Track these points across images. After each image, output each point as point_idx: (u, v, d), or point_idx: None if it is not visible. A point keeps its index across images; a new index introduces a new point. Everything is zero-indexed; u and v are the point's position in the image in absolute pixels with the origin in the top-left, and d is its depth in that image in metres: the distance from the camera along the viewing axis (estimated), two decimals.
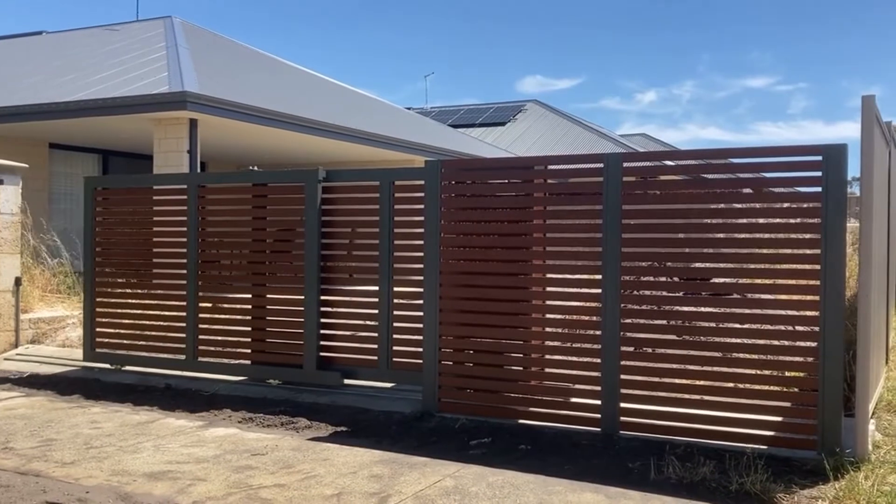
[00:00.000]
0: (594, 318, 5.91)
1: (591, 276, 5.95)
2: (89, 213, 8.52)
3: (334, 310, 7.34)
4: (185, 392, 7.37)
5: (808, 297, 5.40)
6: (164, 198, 8.47)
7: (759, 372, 5.58)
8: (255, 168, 7.96)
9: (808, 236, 5.40)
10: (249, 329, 7.71)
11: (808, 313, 5.38)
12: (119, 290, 8.55)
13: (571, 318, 6.08)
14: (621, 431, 5.74)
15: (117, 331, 8.42)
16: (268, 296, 7.66)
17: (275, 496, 4.54)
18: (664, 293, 5.96)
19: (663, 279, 6.01)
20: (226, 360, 7.85)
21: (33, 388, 7.58)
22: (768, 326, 5.57)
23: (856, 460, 4.89)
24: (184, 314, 7.99)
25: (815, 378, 5.24)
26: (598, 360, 5.85)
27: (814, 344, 5.29)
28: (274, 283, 7.67)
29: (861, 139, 5.14)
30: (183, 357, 7.96)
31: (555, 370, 6.07)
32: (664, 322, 5.82)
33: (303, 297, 7.33)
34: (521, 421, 6.05)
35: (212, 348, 7.90)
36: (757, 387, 5.57)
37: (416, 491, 4.61)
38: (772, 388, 5.60)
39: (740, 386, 5.58)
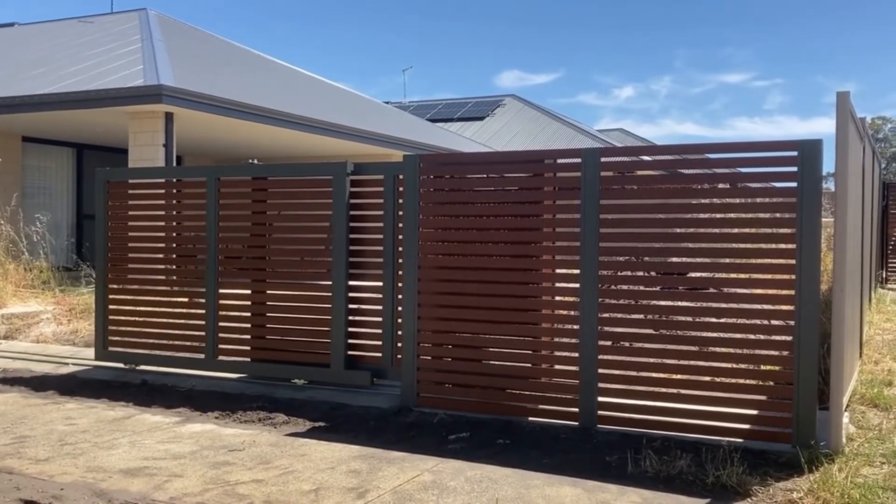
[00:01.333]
0: (572, 313, 5.92)
1: (570, 271, 5.96)
2: (101, 206, 8.18)
3: (363, 307, 7.05)
4: (160, 388, 7.31)
5: (784, 292, 5.44)
6: (182, 191, 8.10)
7: (735, 366, 5.62)
8: (255, 161, 7.63)
9: (783, 231, 5.45)
10: (272, 327, 7.41)
11: (784, 307, 5.43)
12: (133, 287, 8.16)
13: (550, 313, 6.09)
14: (599, 425, 5.76)
15: (131, 329, 8.09)
16: (291, 292, 7.33)
17: (252, 492, 4.52)
18: (641, 288, 5.99)
19: (641, 274, 6.04)
20: (247, 360, 7.51)
21: (5, 384, 7.49)
22: (744, 320, 5.61)
23: (830, 453, 4.94)
24: (203, 311, 7.66)
25: (791, 372, 5.29)
26: (576, 355, 5.87)
27: (789, 338, 5.34)
28: (299, 279, 7.34)
29: (836, 135, 5.19)
30: (202, 356, 7.65)
31: (533, 365, 6.08)
32: (641, 316, 5.85)
33: (330, 294, 7.01)
34: (499, 415, 6.06)
35: (232, 347, 7.58)
36: (733, 380, 5.62)
37: (395, 486, 4.60)
38: (748, 381, 5.65)
39: (717, 380, 5.62)
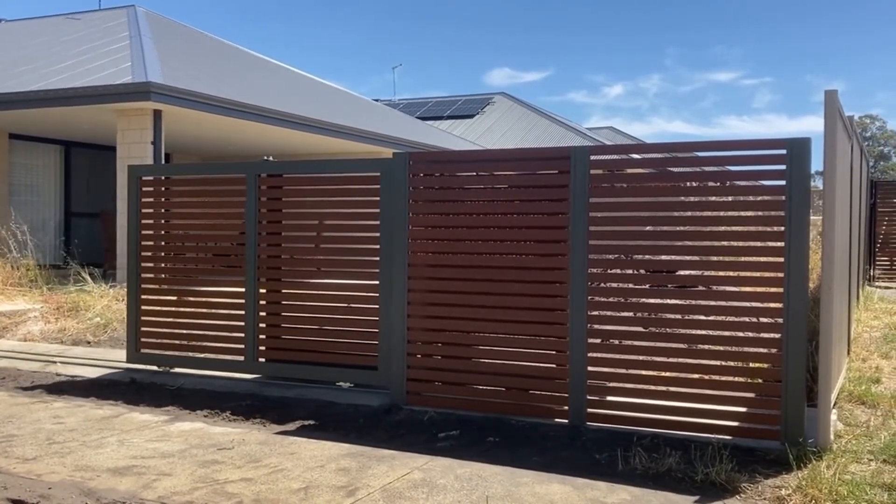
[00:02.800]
0: (561, 311, 5.92)
1: (559, 268, 5.96)
2: (133, 203, 7.85)
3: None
4: (149, 386, 7.28)
5: (773, 290, 5.46)
6: (221, 188, 7.75)
7: (724, 363, 5.64)
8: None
9: (772, 229, 5.46)
10: (316, 328, 7.13)
11: (772, 305, 5.44)
12: (168, 287, 7.83)
13: (539, 310, 6.08)
14: (589, 423, 5.77)
15: (165, 330, 7.78)
16: (337, 292, 7.01)
17: (241, 490, 4.50)
18: (631, 286, 6.00)
19: (630, 272, 6.05)
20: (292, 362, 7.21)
21: None
22: (733, 318, 5.63)
23: (818, 450, 4.96)
24: (242, 312, 7.31)
25: (779, 369, 5.31)
26: (566, 353, 5.88)
27: (777, 335, 5.36)
28: (345, 278, 7.03)
29: (824, 133, 5.21)
30: (241, 358, 7.32)
31: (523, 363, 6.08)
32: (631, 314, 5.86)
33: (377, 295, 6.68)
34: (488, 413, 6.06)
35: (274, 348, 7.25)
36: (722, 378, 5.63)
37: (385, 484, 4.60)
38: (736, 379, 5.67)
39: (706, 377, 5.64)
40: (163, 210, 8.00)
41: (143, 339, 7.88)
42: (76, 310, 10.49)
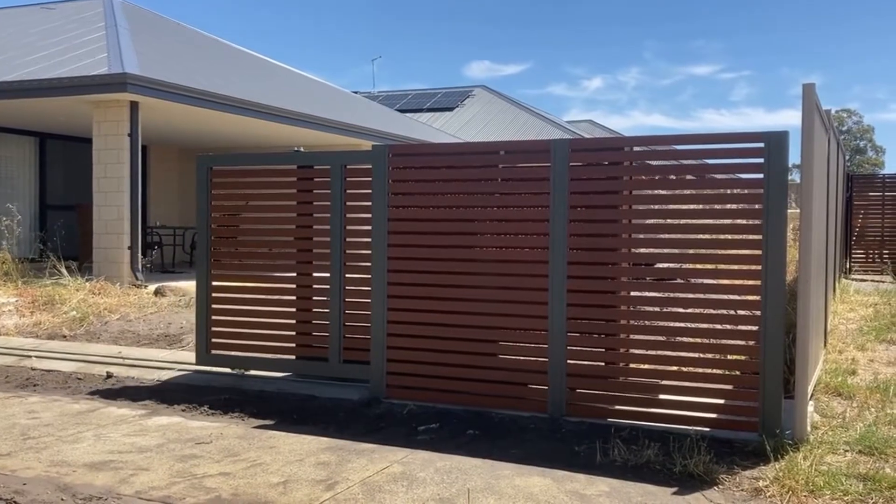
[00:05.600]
0: (541, 304, 5.93)
1: (539, 261, 5.96)
2: (203, 195, 7.33)
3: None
4: (126, 380, 7.22)
5: (750, 282, 5.49)
6: (306, 178, 7.13)
7: (702, 356, 5.67)
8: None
9: (750, 222, 5.49)
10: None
11: (750, 298, 5.48)
12: (242, 284, 7.34)
13: (520, 303, 6.08)
14: (568, 415, 5.78)
15: (239, 330, 7.26)
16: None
17: (220, 485, 4.47)
18: (610, 279, 6.00)
19: (609, 265, 6.05)
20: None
21: None
22: (711, 311, 5.66)
23: (795, 441, 5.00)
24: (326, 311, 6.82)
25: (757, 362, 5.34)
26: (545, 345, 5.89)
27: (755, 328, 5.39)
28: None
29: (802, 127, 5.24)
30: (325, 360, 6.86)
31: (502, 355, 6.08)
32: (610, 307, 5.86)
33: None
34: (468, 406, 6.06)
35: (359, 348, 6.73)
36: (700, 370, 5.67)
37: (364, 478, 4.58)
38: (714, 371, 5.70)
39: (684, 370, 5.67)
40: (237, 202, 7.48)
41: (213, 340, 7.33)
42: (52, 303, 10.38)
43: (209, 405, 6.25)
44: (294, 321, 7.05)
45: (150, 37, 16.29)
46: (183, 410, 6.16)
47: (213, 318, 7.34)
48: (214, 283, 7.35)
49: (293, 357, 7.04)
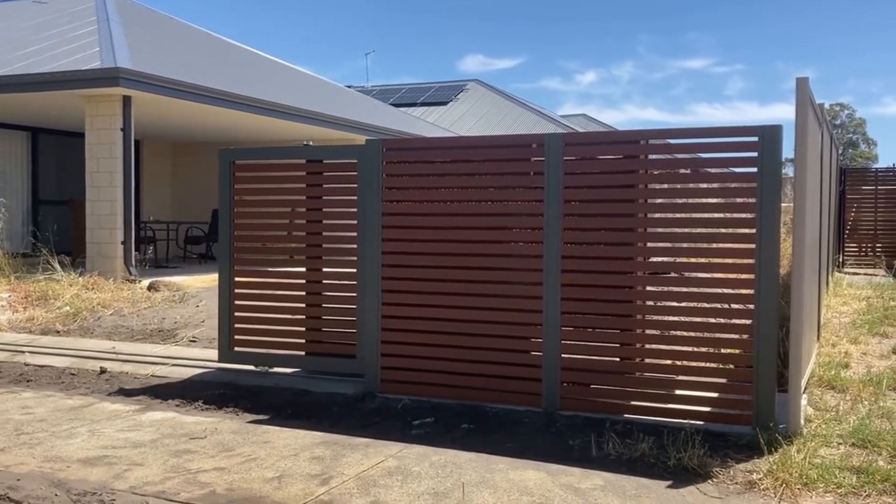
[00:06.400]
0: (536, 298, 5.93)
1: (533, 255, 5.96)
2: (225, 189, 7.13)
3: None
4: (120, 375, 7.20)
5: (744, 276, 5.50)
6: (333, 174, 6.99)
7: (696, 349, 5.68)
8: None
9: (744, 216, 5.50)
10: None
11: (744, 291, 5.49)
12: (267, 280, 7.18)
13: (514, 297, 6.08)
14: (562, 409, 5.79)
15: (263, 327, 7.06)
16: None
17: (214, 480, 4.47)
18: (605, 272, 6.00)
19: (603, 258, 6.05)
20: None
21: None
22: (705, 304, 5.66)
23: (789, 434, 5.02)
24: (354, 307, 6.63)
25: (751, 355, 5.36)
26: (541, 339, 5.89)
27: (749, 321, 5.41)
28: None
29: (795, 121, 5.24)
30: (353, 356, 6.65)
31: (497, 349, 6.08)
32: (604, 300, 5.86)
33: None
34: (462, 400, 6.06)
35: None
36: (694, 364, 5.68)
37: (359, 472, 4.58)
38: (708, 365, 5.71)
39: (678, 363, 5.68)
40: (259, 197, 7.33)
41: (236, 337, 7.15)
42: (45, 299, 10.35)
43: (203, 400, 6.24)
44: (320, 317, 6.88)
45: (143, 31, 16.22)
46: (177, 405, 6.15)
47: (236, 314, 7.16)
48: (237, 279, 7.18)
49: (318, 354, 6.88)
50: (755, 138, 5.38)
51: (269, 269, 7.26)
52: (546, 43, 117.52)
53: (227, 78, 15.27)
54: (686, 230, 5.73)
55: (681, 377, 5.59)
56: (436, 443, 5.14)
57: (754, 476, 4.48)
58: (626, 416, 5.57)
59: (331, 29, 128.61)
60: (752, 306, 5.37)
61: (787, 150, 5.51)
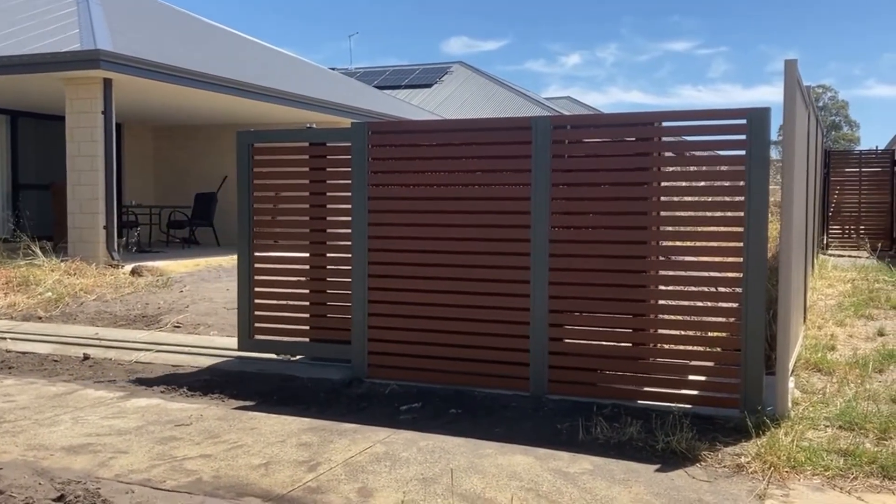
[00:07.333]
0: (524, 282, 5.90)
1: (521, 239, 5.93)
2: (244, 173, 6.93)
3: None
4: (103, 362, 7.13)
5: (732, 259, 5.49)
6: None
7: (684, 333, 5.67)
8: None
9: (732, 199, 5.48)
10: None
11: (732, 275, 5.48)
12: (275, 266, 7.02)
13: (502, 281, 6.05)
14: (550, 393, 5.78)
15: (285, 314, 6.91)
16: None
17: (201, 467, 4.42)
18: (591, 256, 5.97)
19: (591, 242, 6.02)
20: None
21: None
22: (693, 288, 5.65)
23: (776, 417, 5.02)
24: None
25: (738, 338, 5.35)
26: (528, 323, 5.86)
27: (737, 305, 5.40)
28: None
29: (784, 104, 5.21)
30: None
31: (484, 333, 6.05)
32: (592, 284, 5.84)
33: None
34: (450, 385, 6.03)
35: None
36: (682, 347, 5.67)
37: (347, 458, 4.55)
38: (696, 348, 5.71)
39: (666, 347, 5.67)
40: (280, 181, 7.11)
41: (257, 325, 6.98)
42: (26, 284, 10.23)
43: (188, 386, 6.19)
44: (324, 304, 6.77)
45: (124, 12, 15.98)
46: (162, 392, 6.09)
47: (257, 301, 6.97)
48: (257, 266, 6.98)
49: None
50: (744, 121, 5.35)
51: (285, 255, 7.08)
52: (530, 24, 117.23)
53: (209, 60, 15.10)
54: (675, 213, 5.71)
55: (669, 360, 5.58)
56: (424, 428, 5.11)
57: (742, 459, 4.48)
58: (613, 399, 5.56)
59: (313, 10, 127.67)
60: (740, 290, 5.36)
61: (774, 133, 5.49)
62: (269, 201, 7.02)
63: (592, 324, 5.82)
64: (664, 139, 5.83)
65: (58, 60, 11.92)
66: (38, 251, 11.46)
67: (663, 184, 5.77)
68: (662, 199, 5.86)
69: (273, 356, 7.00)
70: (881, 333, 8.04)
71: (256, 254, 6.98)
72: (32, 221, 13.63)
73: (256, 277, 6.98)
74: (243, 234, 6.98)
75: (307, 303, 6.88)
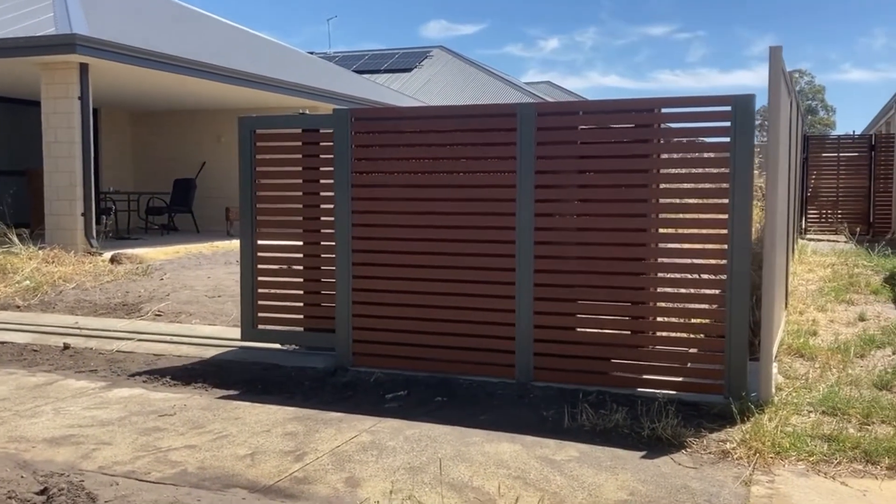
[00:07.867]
0: (509, 270, 5.88)
1: (505, 226, 5.91)
2: (246, 161, 6.76)
3: None
4: (84, 351, 7.05)
5: (716, 246, 5.50)
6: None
7: (668, 319, 5.69)
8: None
9: (717, 186, 5.48)
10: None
11: (716, 261, 5.49)
12: (286, 255, 6.87)
13: (487, 269, 6.03)
14: (535, 381, 5.78)
15: (289, 304, 6.79)
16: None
17: (185, 458, 4.38)
18: (577, 243, 5.96)
19: (576, 229, 6.02)
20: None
21: None
22: (677, 274, 5.66)
23: (760, 403, 5.05)
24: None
25: (723, 325, 5.37)
26: (513, 311, 5.86)
27: (721, 291, 5.41)
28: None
29: (769, 91, 5.21)
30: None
31: (469, 321, 6.04)
32: (577, 272, 5.83)
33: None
34: (435, 373, 6.02)
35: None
36: (666, 334, 5.69)
37: (333, 447, 4.53)
38: (681, 335, 5.72)
39: (651, 333, 5.68)
40: (284, 168, 6.94)
41: (260, 314, 6.84)
42: (3, 273, 10.09)
43: (171, 376, 6.13)
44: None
45: None
46: (144, 382, 6.03)
47: (260, 290, 6.84)
48: (261, 255, 6.84)
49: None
50: (728, 108, 5.34)
51: (285, 244, 6.94)
52: (509, 8, 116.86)
53: (186, 45, 14.92)
54: (660, 201, 5.70)
55: (654, 347, 5.59)
56: (410, 416, 5.10)
57: (728, 445, 4.50)
58: (599, 386, 5.57)
59: None
60: (724, 277, 5.37)
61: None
62: (272, 189, 6.93)
63: (578, 311, 5.82)
64: (651, 126, 5.81)
65: (32, 45, 11.74)
66: (14, 239, 11.31)
67: (650, 170, 5.75)
68: (651, 185, 5.85)
69: (253, 344, 6.94)
70: (862, 318, 8.11)
71: (259, 242, 6.85)
72: (9, 209, 13.45)
73: (260, 266, 6.86)
74: (245, 221, 6.85)
75: (301, 291, 6.83)
